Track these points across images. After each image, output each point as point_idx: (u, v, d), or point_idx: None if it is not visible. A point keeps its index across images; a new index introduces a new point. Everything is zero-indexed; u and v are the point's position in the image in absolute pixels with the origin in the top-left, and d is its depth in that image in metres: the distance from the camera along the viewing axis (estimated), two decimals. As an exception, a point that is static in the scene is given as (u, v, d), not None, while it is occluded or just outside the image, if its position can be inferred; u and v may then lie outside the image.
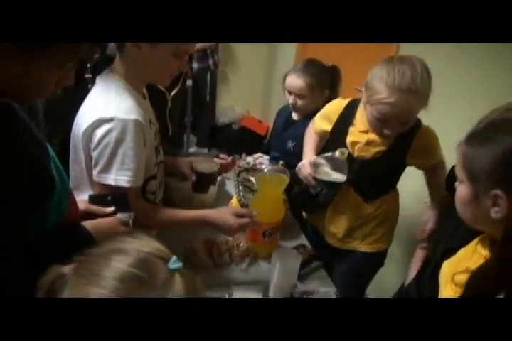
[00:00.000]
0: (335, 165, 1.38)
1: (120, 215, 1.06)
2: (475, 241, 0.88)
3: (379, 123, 1.30)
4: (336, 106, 1.53)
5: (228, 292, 1.31)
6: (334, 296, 1.32)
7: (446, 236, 1.01)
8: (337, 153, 1.34)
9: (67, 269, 0.65)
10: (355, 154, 1.43)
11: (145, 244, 0.66)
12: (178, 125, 2.21)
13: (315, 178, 1.41)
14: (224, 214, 1.26)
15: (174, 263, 0.64)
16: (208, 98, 3.62)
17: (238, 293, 1.30)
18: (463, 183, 0.82)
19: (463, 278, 0.80)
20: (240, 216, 1.26)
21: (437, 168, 1.45)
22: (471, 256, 0.84)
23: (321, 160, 1.40)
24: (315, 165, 1.41)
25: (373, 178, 1.45)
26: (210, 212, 1.28)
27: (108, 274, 0.61)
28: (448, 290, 0.86)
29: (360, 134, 1.41)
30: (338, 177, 1.38)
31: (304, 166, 1.44)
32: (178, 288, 0.62)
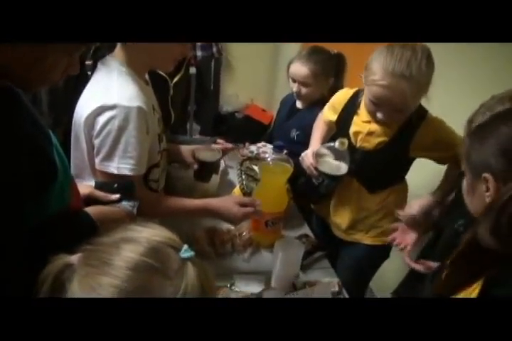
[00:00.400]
0: (337, 156, 1.37)
1: (125, 203, 1.05)
2: None
3: (373, 107, 1.28)
4: (342, 96, 1.50)
5: (230, 282, 1.30)
6: (337, 287, 1.31)
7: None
8: (336, 143, 1.33)
9: (74, 259, 0.63)
10: (358, 145, 1.40)
11: (156, 233, 0.65)
12: (181, 113, 2.18)
13: (317, 169, 1.39)
14: (227, 203, 1.25)
15: (186, 252, 0.63)
16: (211, 86, 3.58)
17: (240, 283, 1.29)
18: (465, 175, 0.82)
19: None
20: (243, 205, 1.25)
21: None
22: None
23: (325, 150, 1.38)
24: (318, 156, 1.39)
25: (376, 170, 1.42)
26: (213, 201, 1.27)
27: (120, 264, 0.59)
28: None
29: (363, 124, 1.39)
30: (339, 169, 1.37)
31: (307, 156, 1.43)
32: (191, 277, 0.61)
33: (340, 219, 1.56)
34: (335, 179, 1.41)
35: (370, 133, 1.38)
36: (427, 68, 1.18)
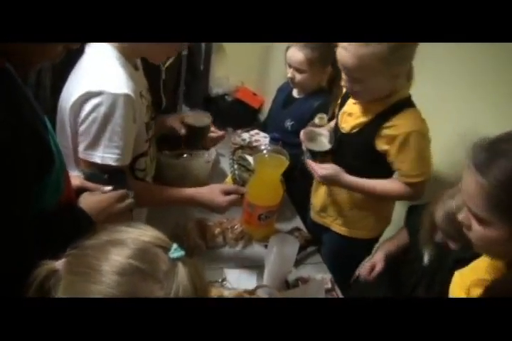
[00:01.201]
0: (327, 135, 1.38)
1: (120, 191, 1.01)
2: None
3: (343, 75, 1.26)
4: None
5: (221, 277, 1.27)
6: (330, 283, 1.29)
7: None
8: (316, 119, 1.34)
9: (59, 264, 0.60)
10: (340, 125, 1.40)
11: (143, 233, 0.62)
12: (172, 97, 2.11)
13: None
14: (212, 192, 1.24)
15: (176, 251, 0.60)
16: (201, 67, 3.48)
17: (231, 278, 1.27)
18: (491, 225, 0.71)
19: (478, 291, 0.76)
20: (227, 193, 1.24)
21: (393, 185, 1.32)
22: (487, 269, 0.80)
23: (313, 128, 1.38)
24: (310, 133, 1.39)
25: (347, 154, 1.39)
26: (198, 190, 1.26)
27: (106, 268, 0.56)
28: None
29: (351, 105, 1.38)
30: (320, 147, 1.37)
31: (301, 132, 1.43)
32: (182, 279, 0.58)
33: (316, 199, 1.57)
34: (315, 156, 1.40)
35: (350, 114, 1.36)
36: None
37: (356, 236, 1.52)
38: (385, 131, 1.26)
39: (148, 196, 1.20)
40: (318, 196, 1.55)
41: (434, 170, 1.46)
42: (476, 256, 0.85)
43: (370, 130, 1.30)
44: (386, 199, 1.39)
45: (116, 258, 0.57)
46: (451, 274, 0.91)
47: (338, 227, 1.53)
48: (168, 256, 0.59)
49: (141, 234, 0.61)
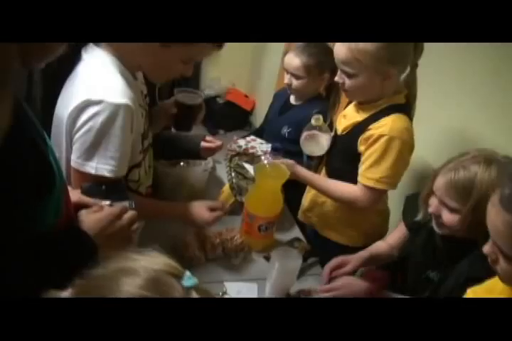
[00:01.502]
0: (330, 140, 1.39)
1: (119, 204, 0.96)
2: None
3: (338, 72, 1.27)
4: None
5: (221, 290, 1.25)
6: (332, 296, 1.27)
7: (467, 262, 0.96)
8: (312, 120, 1.36)
9: (65, 296, 0.56)
10: (336, 127, 1.41)
11: (154, 261, 0.58)
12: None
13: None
14: (199, 209, 1.25)
15: (189, 279, 0.57)
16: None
17: (232, 292, 1.24)
18: None
19: None
20: (213, 209, 1.25)
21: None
22: (502, 291, 0.78)
23: (312, 129, 1.38)
24: (315, 137, 1.39)
25: (336, 155, 1.39)
26: (185, 206, 1.26)
27: None
28: None
29: (349, 107, 1.38)
30: (316, 149, 1.39)
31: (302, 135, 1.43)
32: None
33: (305, 199, 1.57)
34: (309, 157, 1.42)
35: (344, 116, 1.37)
36: None
37: (339, 240, 1.49)
38: (367, 133, 1.26)
39: (138, 209, 1.18)
40: (308, 196, 1.55)
41: (426, 169, 1.45)
42: (489, 274, 0.83)
43: (357, 132, 1.29)
44: (340, 202, 1.37)
45: (127, 288, 0.54)
46: (459, 288, 0.90)
47: (321, 229, 1.53)
48: (181, 284, 0.56)
49: (152, 262, 0.58)
